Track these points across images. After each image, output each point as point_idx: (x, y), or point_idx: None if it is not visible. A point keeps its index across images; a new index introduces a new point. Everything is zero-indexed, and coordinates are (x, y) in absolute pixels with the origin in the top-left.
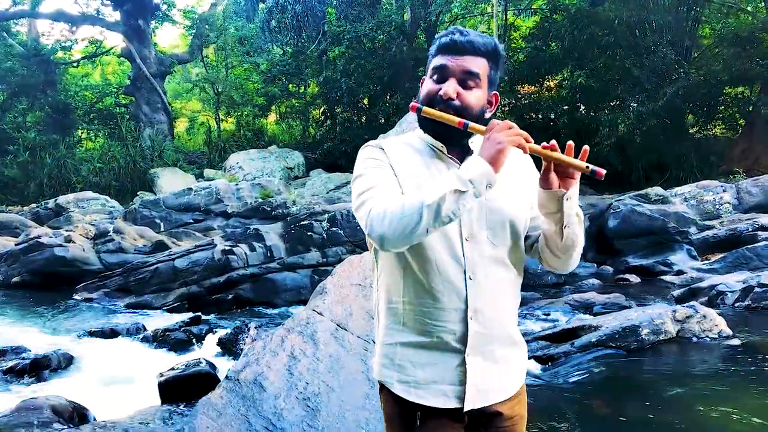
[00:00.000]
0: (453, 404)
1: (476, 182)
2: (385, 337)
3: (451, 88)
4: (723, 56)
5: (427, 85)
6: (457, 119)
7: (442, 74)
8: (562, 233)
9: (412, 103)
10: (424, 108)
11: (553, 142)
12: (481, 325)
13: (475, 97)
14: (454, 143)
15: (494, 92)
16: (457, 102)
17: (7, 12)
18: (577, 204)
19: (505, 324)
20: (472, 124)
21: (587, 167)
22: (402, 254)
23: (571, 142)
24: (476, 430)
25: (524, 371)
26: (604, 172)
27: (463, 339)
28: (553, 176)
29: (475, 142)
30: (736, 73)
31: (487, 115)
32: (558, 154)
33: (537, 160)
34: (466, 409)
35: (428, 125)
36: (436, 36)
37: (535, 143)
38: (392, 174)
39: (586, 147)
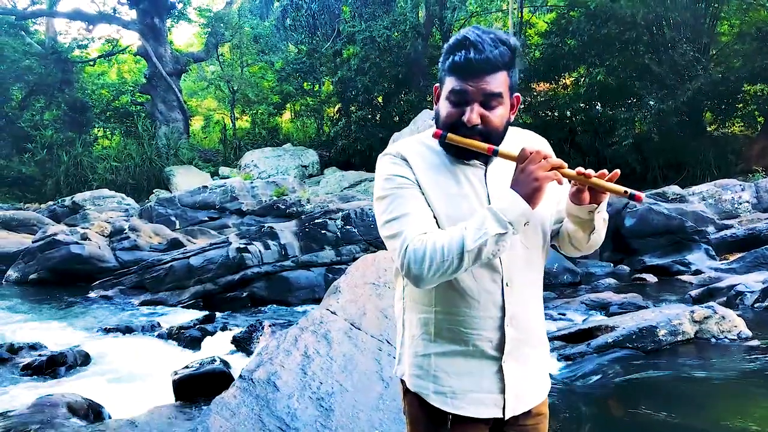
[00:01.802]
0: (493, 413)
1: (516, 223)
2: (417, 348)
3: (475, 114)
4: (742, 53)
5: (446, 108)
6: (485, 146)
7: (463, 98)
8: (589, 238)
9: (436, 130)
10: (450, 135)
11: (590, 171)
12: (517, 330)
13: (499, 116)
14: (471, 160)
15: (516, 95)
16: (481, 127)
17: (25, 11)
18: (605, 210)
19: (537, 327)
20: (502, 150)
21: (625, 192)
22: None
23: (604, 171)
24: (502, 428)
25: (548, 371)
26: (643, 196)
27: (500, 346)
28: (586, 194)
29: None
30: (757, 69)
31: (510, 119)
32: (595, 180)
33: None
34: (507, 417)
35: (452, 150)
36: (448, 46)
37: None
38: (420, 194)
39: (617, 171)
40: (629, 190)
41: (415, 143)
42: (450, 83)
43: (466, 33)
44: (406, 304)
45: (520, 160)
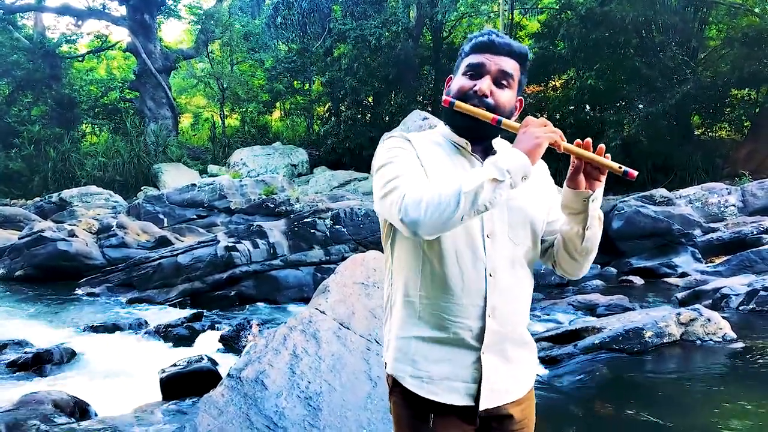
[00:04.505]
0: (465, 402)
1: (513, 173)
2: (400, 330)
3: (486, 84)
4: (730, 57)
5: (460, 82)
6: (490, 115)
7: (478, 71)
8: (584, 235)
9: (445, 97)
10: (457, 102)
11: (588, 140)
12: (498, 323)
13: (507, 97)
14: (478, 142)
15: (520, 97)
16: (490, 100)
17: (13, 5)
18: (599, 206)
19: (519, 324)
20: (505, 121)
21: (620, 168)
22: (422, 248)
23: (602, 145)
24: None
25: (534, 373)
26: (636, 173)
27: (480, 336)
28: (581, 177)
29: (498, 144)
30: (745, 74)
31: (514, 117)
32: (591, 154)
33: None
34: (481, 408)
35: (458, 120)
36: (470, 35)
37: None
38: (419, 163)
39: (602, 146)
40: (623, 167)
41: (417, 135)
42: (468, 60)
43: (490, 29)
44: (393, 288)
45: (522, 127)
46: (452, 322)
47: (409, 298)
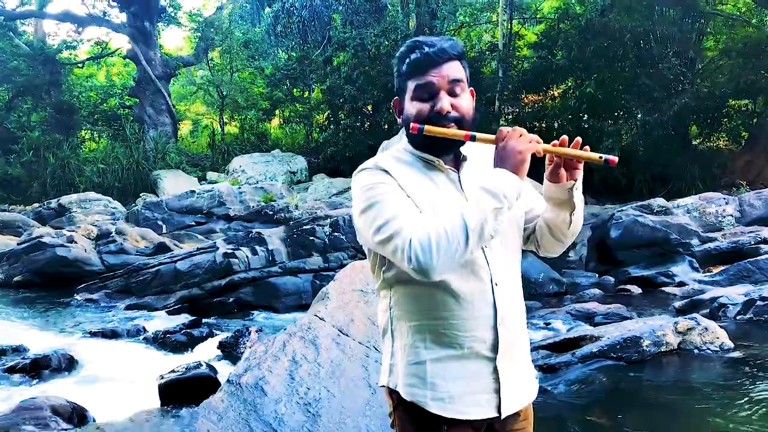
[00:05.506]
0: (491, 413)
1: (509, 196)
2: (411, 356)
3: (446, 102)
4: (728, 68)
5: (416, 107)
6: (462, 133)
7: (430, 91)
8: (571, 221)
9: (413, 124)
10: (427, 127)
11: (564, 137)
12: (508, 330)
13: (466, 101)
14: (447, 154)
15: (471, 88)
16: (454, 113)
17: (14, 12)
18: (581, 187)
19: (523, 327)
20: (479, 135)
21: (600, 157)
22: None
23: (578, 138)
24: None
25: (535, 375)
26: (616, 159)
27: (494, 346)
28: (562, 170)
29: (466, 148)
30: (742, 85)
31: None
32: (571, 151)
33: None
34: (503, 416)
35: (430, 144)
36: (400, 54)
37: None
38: (406, 195)
39: (578, 139)
40: (603, 156)
41: (387, 157)
42: (413, 83)
43: (413, 39)
44: (395, 314)
45: (498, 140)
46: (465, 337)
47: (416, 322)
